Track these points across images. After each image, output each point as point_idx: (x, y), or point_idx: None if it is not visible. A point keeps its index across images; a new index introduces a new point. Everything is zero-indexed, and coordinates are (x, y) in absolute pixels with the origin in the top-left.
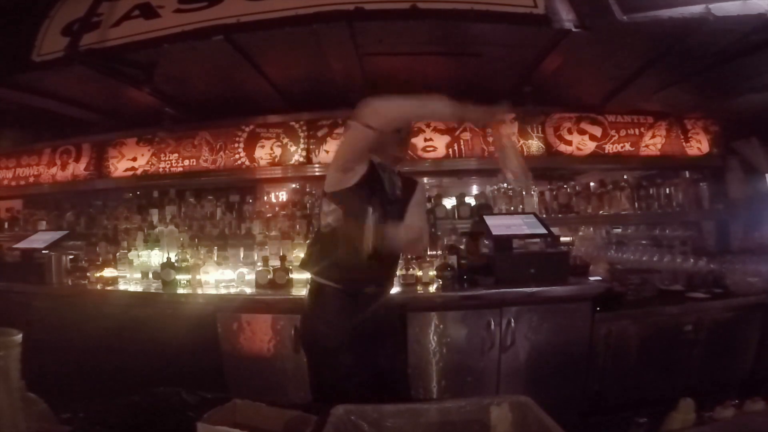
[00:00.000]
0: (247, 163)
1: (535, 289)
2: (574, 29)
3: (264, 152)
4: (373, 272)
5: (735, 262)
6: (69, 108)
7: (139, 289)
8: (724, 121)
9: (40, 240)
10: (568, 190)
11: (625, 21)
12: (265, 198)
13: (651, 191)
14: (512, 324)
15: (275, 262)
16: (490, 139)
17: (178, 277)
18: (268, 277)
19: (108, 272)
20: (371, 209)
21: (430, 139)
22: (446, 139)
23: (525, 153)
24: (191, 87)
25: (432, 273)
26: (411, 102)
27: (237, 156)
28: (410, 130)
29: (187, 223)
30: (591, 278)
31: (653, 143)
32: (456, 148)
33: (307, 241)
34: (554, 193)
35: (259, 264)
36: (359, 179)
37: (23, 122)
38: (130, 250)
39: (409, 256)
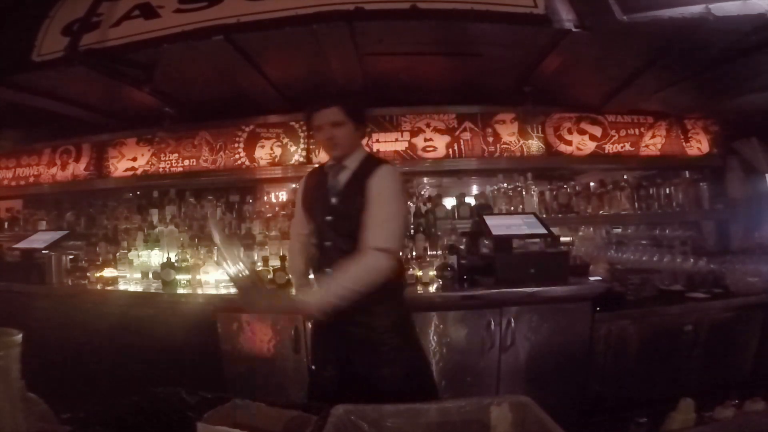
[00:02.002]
0: (247, 163)
1: (535, 289)
2: (574, 29)
3: (264, 152)
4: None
5: (735, 262)
6: (69, 108)
7: (139, 289)
8: (724, 121)
9: (40, 240)
10: (568, 190)
11: (625, 21)
12: (265, 198)
13: (651, 191)
14: (512, 324)
15: (275, 262)
16: None
17: (178, 277)
18: (268, 277)
19: (108, 272)
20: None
21: (430, 139)
22: (446, 139)
23: (525, 153)
24: (191, 87)
25: (432, 273)
26: None
27: (237, 156)
28: (319, 125)
29: (187, 223)
30: (591, 278)
31: (653, 143)
32: (456, 148)
33: None
34: (554, 193)
35: (259, 264)
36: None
37: (23, 122)
38: (130, 250)
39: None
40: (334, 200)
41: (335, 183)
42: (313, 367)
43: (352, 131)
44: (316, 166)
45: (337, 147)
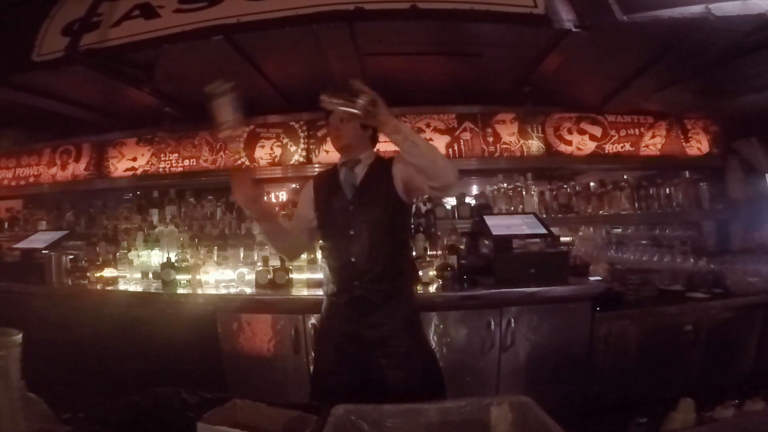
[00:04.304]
0: (247, 163)
1: (535, 289)
2: (574, 29)
3: (264, 152)
4: (352, 275)
5: (735, 262)
6: (69, 108)
7: (139, 289)
8: (724, 121)
9: (40, 240)
10: (568, 190)
11: (625, 21)
12: (265, 198)
13: (651, 191)
14: (512, 324)
15: (275, 262)
16: None
17: (178, 277)
18: (268, 277)
19: (108, 272)
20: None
21: (430, 139)
22: (446, 139)
23: (525, 153)
24: (191, 87)
25: (432, 273)
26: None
27: (237, 156)
28: (344, 113)
29: (187, 223)
30: (591, 278)
31: (653, 143)
32: (456, 148)
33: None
34: (554, 193)
35: (259, 264)
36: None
37: (23, 122)
38: (130, 250)
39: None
40: (355, 189)
41: (352, 175)
42: (314, 370)
43: (357, 128)
44: (323, 170)
45: (340, 139)
